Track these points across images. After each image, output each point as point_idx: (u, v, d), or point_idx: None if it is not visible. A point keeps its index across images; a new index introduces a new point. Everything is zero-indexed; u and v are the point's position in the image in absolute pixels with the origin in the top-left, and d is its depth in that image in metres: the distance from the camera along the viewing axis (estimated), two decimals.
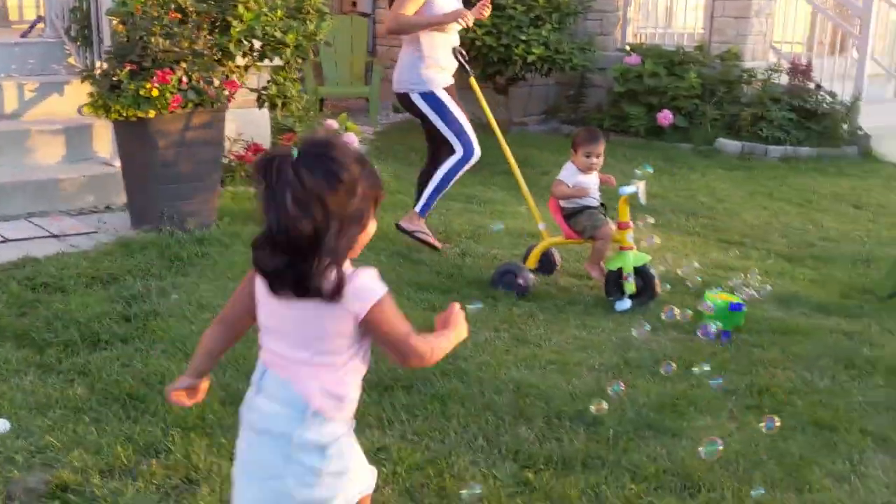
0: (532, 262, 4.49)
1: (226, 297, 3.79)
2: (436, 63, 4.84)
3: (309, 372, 1.79)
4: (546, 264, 4.65)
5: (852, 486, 2.80)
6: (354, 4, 11.05)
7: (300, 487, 1.76)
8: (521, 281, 4.31)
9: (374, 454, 2.76)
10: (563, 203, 4.38)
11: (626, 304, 4.20)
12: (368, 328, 1.79)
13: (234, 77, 5.04)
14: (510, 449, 2.86)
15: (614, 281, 4.28)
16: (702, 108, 8.92)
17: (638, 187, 4.21)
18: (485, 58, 8.96)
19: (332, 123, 7.19)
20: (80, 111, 5.49)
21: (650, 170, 4.37)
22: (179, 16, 4.72)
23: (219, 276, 4.22)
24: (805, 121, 8.66)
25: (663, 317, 3.64)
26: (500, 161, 8.19)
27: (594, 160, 4.32)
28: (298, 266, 1.69)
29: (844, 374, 3.67)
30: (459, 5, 4.94)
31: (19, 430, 2.76)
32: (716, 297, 4.01)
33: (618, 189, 4.22)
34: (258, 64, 5.80)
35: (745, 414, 3.24)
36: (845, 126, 8.76)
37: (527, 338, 3.81)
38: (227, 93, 4.70)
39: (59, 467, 2.56)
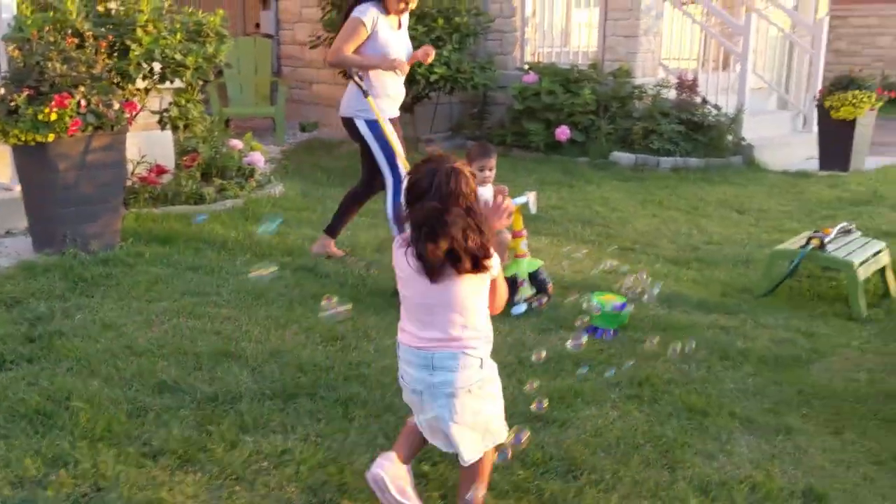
0: None
1: (128, 318, 3.94)
2: (383, 92, 4.99)
3: None
4: None
5: (720, 462, 3.08)
6: (258, 26, 11.16)
7: None
8: None
9: (278, 457, 2.92)
10: None
11: (521, 308, 4.44)
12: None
13: (134, 100, 5.10)
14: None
15: (510, 286, 4.51)
16: (597, 123, 9.33)
17: (529, 198, 4.47)
18: None
19: (238, 143, 7.30)
20: None
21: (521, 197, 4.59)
22: (76, 40, 4.78)
23: (123, 296, 4.29)
24: (693, 133, 9.16)
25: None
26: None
27: (487, 173, 4.56)
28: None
29: (719, 365, 3.98)
30: (404, 40, 5.10)
31: None
32: (602, 298, 4.29)
33: (512, 199, 4.46)
34: (159, 86, 5.88)
35: (627, 403, 3.50)
36: (730, 137, 9.29)
37: None
38: (127, 115, 4.76)
39: None
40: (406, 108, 9.84)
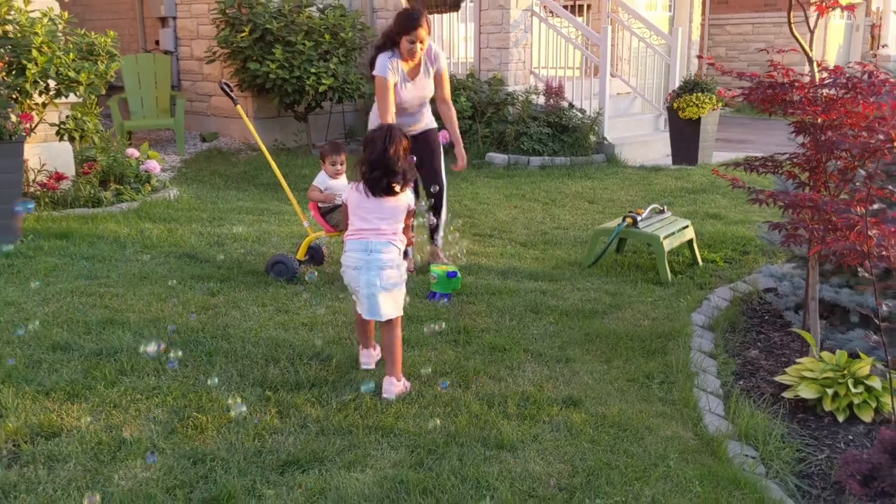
0: (301, 254, 5.46)
1: (27, 297, 4.64)
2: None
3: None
4: (316, 256, 5.65)
5: (506, 383, 3.93)
6: (157, 43, 11.73)
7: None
8: (289, 268, 5.27)
9: (150, 391, 3.65)
10: (320, 204, 5.39)
11: None
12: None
13: (32, 113, 5.74)
14: (257, 380, 3.80)
15: None
16: (474, 127, 10.23)
17: None
18: (280, 89, 9.93)
19: (134, 152, 7.94)
20: None
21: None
22: None
23: (23, 281, 4.95)
24: (560, 134, 10.14)
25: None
26: (301, 181, 9.18)
27: (339, 167, 5.36)
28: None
29: (529, 317, 4.86)
30: (419, 87, 5.53)
31: None
32: (438, 269, 5.14)
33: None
34: (55, 101, 6.51)
35: (444, 347, 4.33)
36: (593, 137, 10.31)
37: (288, 309, 4.78)
38: (24, 125, 5.41)
39: None
40: (300, 117, 10.67)
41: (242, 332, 4.38)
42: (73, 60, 6.19)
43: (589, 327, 4.73)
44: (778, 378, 4.16)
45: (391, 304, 3.81)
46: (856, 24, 24.18)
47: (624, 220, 6.11)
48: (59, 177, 6.66)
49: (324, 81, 9.92)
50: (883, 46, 23.84)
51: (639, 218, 6.11)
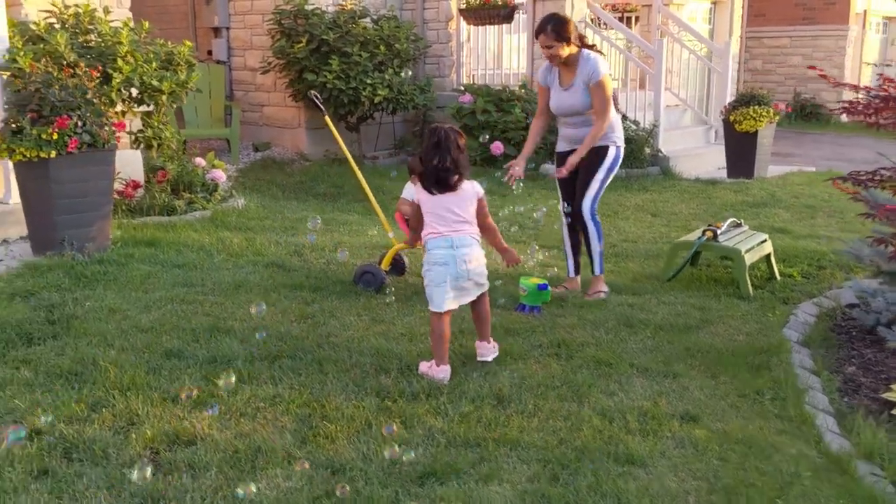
0: (385, 264, 5.48)
1: (130, 304, 4.68)
2: (560, 132, 5.66)
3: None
4: (398, 267, 5.67)
5: (619, 397, 3.92)
6: (210, 53, 11.83)
7: None
8: (377, 278, 5.29)
9: (271, 400, 3.67)
10: (406, 216, 5.41)
11: None
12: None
13: (124, 121, 5.80)
14: (373, 389, 3.82)
15: None
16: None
17: None
18: (336, 100, 9.98)
19: (201, 161, 8.00)
20: None
21: None
22: (72, 71, 5.48)
23: (121, 288, 5.00)
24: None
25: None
26: (358, 191, 9.22)
27: None
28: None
29: (624, 331, 4.85)
30: (567, 96, 5.40)
31: None
32: (528, 282, 5.14)
33: None
34: (134, 109, 6.58)
35: (547, 359, 4.33)
36: (648, 150, 10.29)
37: (383, 319, 4.79)
38: (117, 133, 5.47)
39: (30, 421, 3.32)
40: (352, 128, 10.73)
41: (345, 341, 4.40)
42: (155, 70, 6.25)
43: (687, 342, 4.71)
44: (884, 395, 4.14)
45: (454, 300, 4.08)
46: (890, 38, 24.08)
47: (704, 233, 6.09)
48: (136, 185, 6.72)
49: (379, 92, 9.98)
50: None
51: (718, 231, 6.10)
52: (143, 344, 4.17)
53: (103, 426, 3.33)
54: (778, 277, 6.30)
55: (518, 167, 5.47)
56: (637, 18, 12.81)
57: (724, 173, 10.65)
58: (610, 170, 5.51)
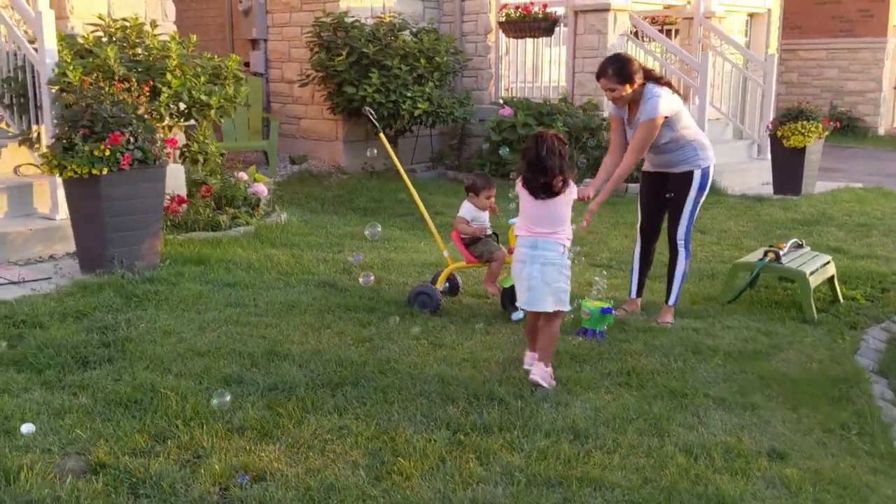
0: (440, 283, 5.32)
1: (184, 326, 4.54)
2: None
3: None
4: (452, 287, 5.51)
5: (699, 431, 3.73)
6: (247, 65, 11.77)
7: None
8: (433, 299, 5.14)
9: (338, 431, 3.52)
10: (463, 235, 5.26)
11: (519, 314, 5.07)
12: None
13: (175, 137, 5.69)
14: (443, 420, 3.65)
15: (509, 296, 5.18)
16: (569, 153, 10.06)
17: None
18: (376, 113, 9.86)
19: (243, 175, 7.89)
20: (16, 171, 6.03)
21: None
22: (124, 86, 5.38)
23: (174, 309, 4.87)
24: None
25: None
26: (398, 206, 9.12)
27: (492, 200, 5.24)
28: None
29: (693, 359, 4.66)
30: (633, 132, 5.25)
31: (45, 431, 3.36)
32: (591, 304, 4.96)
33: (507, 220, 5.12)
34: (180, 124, 6.48)
35: (619, 389, 4.15)
36: None
37: (443, 343, 4.63)
38: (167, 150, 5.36)
39: (93, 452, 3.19)
40: (390, 140, 10.59)
41: (407, 367, 4.24)
42: (204, 84, 6.15)
43: (759, 370, 4.52)
44: None
45: (552, 299, 4.15)
46: None
47: (766, 254, 5.90)
48: (181, 200, 6.61)
49: (419, 105, 9.86)
50: None
51: (781, 253, 5.90)
52: (201, 369, 4.03)
53: (168, 459, 3.19)
54: (841, 300, 6.08)
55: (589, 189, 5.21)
56: (677, 31, 12.60)
57: (769, 189, 10.42)
58: (699, 195, 5.34)
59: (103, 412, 3.55)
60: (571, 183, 4.24)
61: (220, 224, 6.93)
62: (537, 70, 11.65)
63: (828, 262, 6.08)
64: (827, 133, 10.01)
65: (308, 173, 10.69)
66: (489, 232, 5.30)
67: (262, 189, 7.98)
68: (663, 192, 5.42)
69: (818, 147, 10.07)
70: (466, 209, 5.25)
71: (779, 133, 9.92)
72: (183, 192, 7.22)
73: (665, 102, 5.07)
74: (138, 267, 5.33)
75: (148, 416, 3.52)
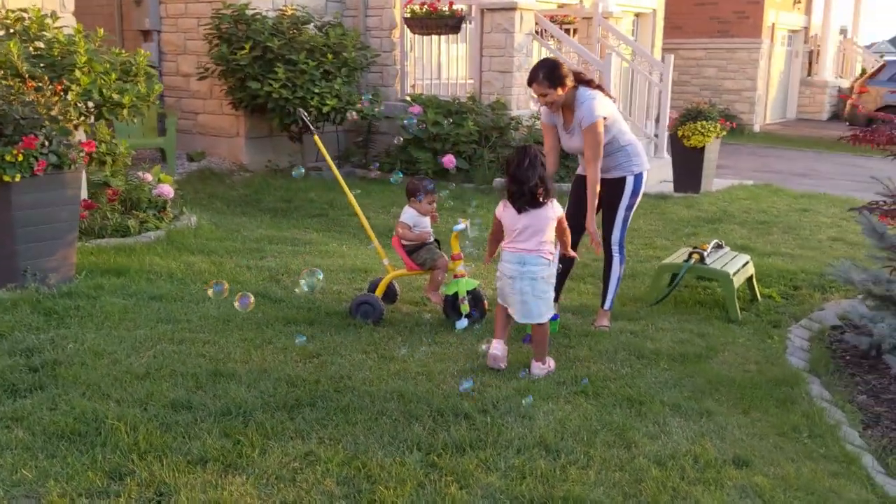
0: (380, 291, 5.17)
1: (115, 345, 4.25)
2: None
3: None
4: (390, 295, 5.36)
5: (662, 441, 3.75)
6: None
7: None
8: (375, 309, 4.99)
9: (303, 458, 3.34)
10: (404, 241, 5.13)
11: (464, 323, 4.98)
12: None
13: (93, 140, 5.30)
14: (412, 441, 3.53)
15: (451, 304, 5.09)
16: (479, 152, 10.06)
17: (466, 224, 5.06)
18: (282, 109, 9.56)
19: (147, 176, 7.48)
20: None
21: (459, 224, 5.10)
22: (34, 84, 4.96)
23: (99, 326, 4.53)
24: (564, 160, 10.02)
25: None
26: (309, 205, 8.87)
27: (434, 206, 5.13)
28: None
29: (638, 363, 4.70)
30: (569, 137, 5.21)
31: None
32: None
33: (452, 227, 5.02)
34: (87, 125, 6.05)
35: (576, 398, 4.13)
36: None
37: (393, 356, 4.49)
38: (83, 153, 4.99)
39: (43, 495, 2.90)
40: (295, 138, 10.31)
41: (362, 384, 4.08)
42: (115, 81, 5.76)
43: (703, 374, 4.60)
44: None
45: (543, 308, 4.40)
46: (794, 50, 25.04)
47: (690, 256, 6.03)
48: (89, 205, 6.19)
49: (328, 102, 9.62)
50: None
51: (705, 254, 6.04)
52: (144, 394, 3.76)
53: (130, 499, 2.94)
54: (759, 299, 6.29)
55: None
56: (575, 31, 12.80)
57: (669, 187, 10.72)
58: (632, 199, 5.37)
59: (45, 447, 3.25)
60: (555, 200, 4.39)
61: (129, 229, 6.55)
62: (448, 67, 11.57)
63: (747, 262, 6.27)
64: (724, 133, 10.37)
65: (209, 171, 10.27)
66: (431, 238, 5.19)
67: (168, 190, 7.58)
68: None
69: (716, 146, 10.43)
70: (409, 214, 5.11)
71: (679, 133, 10.21)
72: (85, 195, 6.77)
73: (600, 104, 5.07)
74: (53, 280, 4.94)
75: (97, 450, 3.24)
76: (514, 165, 4.27)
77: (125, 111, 5.77)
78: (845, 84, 25.69)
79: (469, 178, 9.94)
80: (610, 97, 5.34)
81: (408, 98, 10.85)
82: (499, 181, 9.86)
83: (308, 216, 8.50)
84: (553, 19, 12.47)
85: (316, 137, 5.41)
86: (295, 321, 4.89)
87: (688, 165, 10.26)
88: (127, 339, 4.37)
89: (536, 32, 10.84)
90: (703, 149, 10.15)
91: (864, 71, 25.23)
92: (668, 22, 20.37)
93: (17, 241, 4.81)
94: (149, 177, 7.51)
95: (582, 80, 5.19)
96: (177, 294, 5.16)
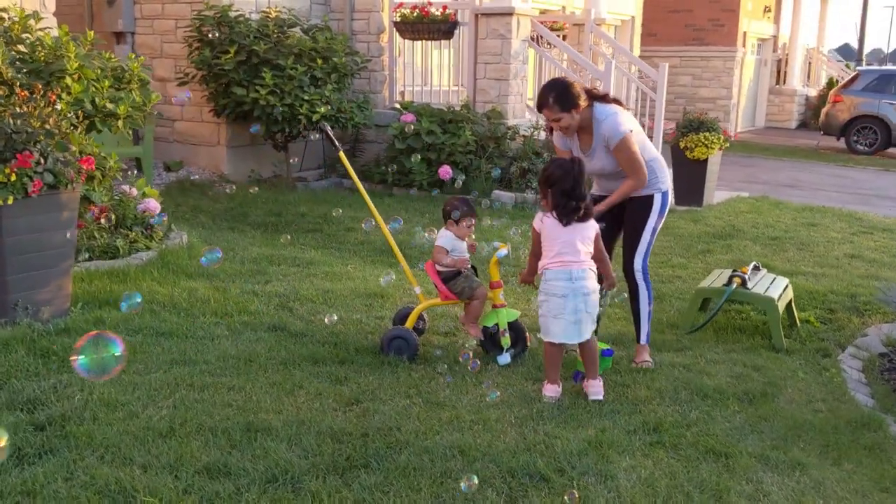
0: (410, 323, 4.69)
1: (127, 395, 3.69)
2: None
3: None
4: (419, 326, 4.88)
5: (762, 502, 3.34)
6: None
7: None
8: (410, 344, 4.51)
9: None
10: (439, 267, 4.66)
11: (506, 358, 4.56)
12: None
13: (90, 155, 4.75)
14: None
15: (491, 337, 4.63)
16: (476, 163, 9.62)
17: (507, 250, 4.61)
18: (268, 117, 9.01)
19: (133, 190, 6.90)
20: None
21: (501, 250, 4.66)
22: (25, 94, 4.39)
23: None
24: None
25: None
26: (301, 220, 8.34)
27: (472, 229, 4.67)
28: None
29: (703, 404, 4.28)
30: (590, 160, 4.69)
31: None
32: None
33: (495, 253, 4.57)
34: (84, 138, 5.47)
35: (653, 450, 3.70)
36: None
37: (440, 400, 4.02)
38: (82, 171, 4.43)
39: None
40: (280, 146, 9.76)
41: (414, 437, 3.60)
42: (108, 89, 5.21)
43: (777, 416, 4.20)
44: None
45: (590, 324, 4.20)
46: (763, 59, 25.08)
47: (731, 280, 5.65)
48: (78, 224, 5.59)
49: (319, 109, 9.09)
50: None
51: (746, 277, 5.67)
52: (173, 457, 3.23)
53: None
54: (798, 324, 5.95)
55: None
56: (565, 37, 12.43)
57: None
58: (658, 220, 4.85)
59: None
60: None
61: (118, 250, 5.96)
62: (439, 73, 11.12)
63: (787, 286, 5.92)
64: (727, 145, 10.08)
65: (188, 182, 9.68)
66: (469, 265, 4.73)
67: (154, 205, 6.99)
68: (613, 218, 4.84)
69: (718, 158, 10.13)
70: (445, 238, 4.65)
71: (681, 144, 9.88)
72: None
73: (623, 118, 4.63)
74: (46, 314, 4.37)
75: None
76: (564, 178, 4.09)
77: (120, 122, 5.21)
78: (812, 93, 25.82)
79: (465, 190, 9.47)
80: (628, 109, 4.92)
81: (397, 105, 10.37)
82: (499, 193, 9.43)
83: (302, 231, 7.97)
84: (542, 25, 12.11)
85: (341, 154, 4.90)
86: (323, 360, 4.38)
87: (691, 178, 9.93)
88: (140, 386, 3.83)
89: (533, 39, 10.45)
90: (705, 161, 9.84)
91: (831, 80, 25.37)
92: (643, 29, 20.19)
93: (8, 272, 4.23)
94: (134, 191, 6.93)
95: (595, 97, 4.72)
96: (186, 329, 4.62)
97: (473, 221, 4.67)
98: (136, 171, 9.34)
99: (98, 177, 5.61)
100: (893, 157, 18.31)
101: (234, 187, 8.33)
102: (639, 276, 4.87)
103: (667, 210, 4.92)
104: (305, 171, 10.57)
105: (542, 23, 12.06)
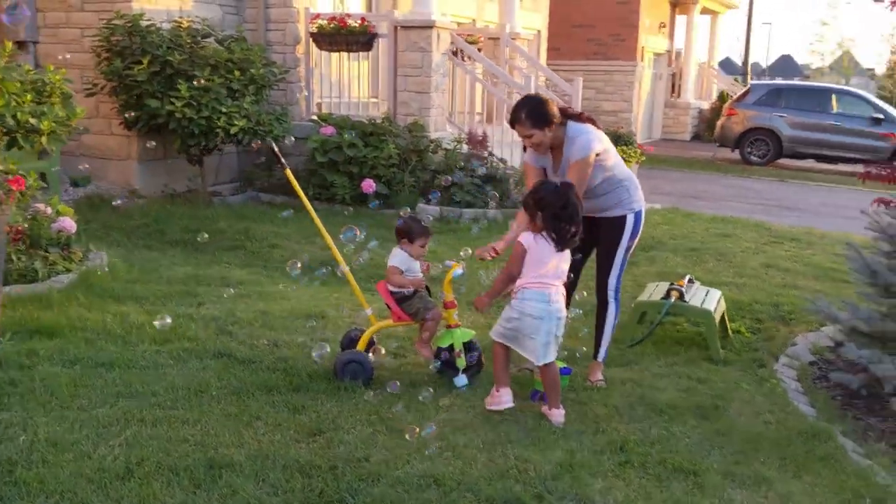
0: (362, 346, 4.56)
1: (74, 433, 3.44)
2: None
3: None
4: (367, 348, 4.75)
5: None
6: None
7: None
8: (365, 368, 4.38)
9: None
10: (392, 288, 4.55)
11: (463, 379, 4.48)
12: None
13: (20, 175, 4.43)
14: None
15: (446, 359, 4.55)
16: (399, 177, 9.52)
17: (462, 268, 4.54)
18: (185, 130, 8.68)
19: (47, 209, 6.53)
20: None
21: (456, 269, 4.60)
22: None
23: (48, 406, 3.71)
24: (484, 184, 9.66)
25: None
26: (220, 237, 8.06)
27: (426, 249, 4.57)
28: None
29: (660, 420, 4.32)
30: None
31: None
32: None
33: (450, 272, 4.48)
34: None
35: (623, 471, 3.69)
36: (520, 188, 9.93)
37: (403, 427, 3.89)
38: (12, 192, 4.13)
39: None
40: (195, 160, 9.41)
41: (386, 468, 3.48)
42: (30, 103, 4.89)
43: (732, 431, 4.26)
44: None
45: (556, 347, 4.21)
46: (659, 73, 25.92)
47: (669, 294, 5.75)
48: None
49: (237, 122, 8.82)
50: None
51: (684, 290, 5.78)
52: (135, 500, 3.02)
53: None
54: (731, 335, 6.10)
55: (497, 246, 4.63)
56: (480, 50, 12.48)
57: None
58: (631, 240, 4.88)
59: None
60: None
61: (37, 273, 5.61)
62: (345, 85, 10.98)
63: (720, 298, 6.06)
64: (643, 158, 10.30)
65: (98, 198, 9.22)
66: (424, 285, 4.63)
67: (70, 224, 6.62)
68: (588, 238, 4.88)
69: (634, 171, 10.33)
70: (400, 258, 4.54)
71: None
72: None
73: (595, 138, 4.66)
74: None
75: None
76: (569, 205, 4.10)
77: (44, 138, 4.90)
78: (705, 106, 26.83)
79: (388, 203, 9.37)
80: (600, 129, 4.95)
81: (315, 117, 10.18)
82: (423, 207, 9.36)
83: (224, 249, 7.72)
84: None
85: (288, 171, 4.73)
86: (277, 388, 4.20)
87: None
88: (87, 423, 3.58)
89: (454, 53, 10.45)
90: None
91: (722, 93, 26.41)
92: (548, 43, 20.55)
93: None
94: (49, 210, 6.54)
95: (569, 115, 4.73)
96: (127, 359, 4.35)
97: (427, 240, 4.58)
98: (42, 188, 8.87)
99: (16, 196, 5.29)
100: (785, 168, 19.17)
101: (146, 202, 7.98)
102: (611, 293, 4.90)
103: (640, 230, 4.94)
104: (220, 184, 10.25)
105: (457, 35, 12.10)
